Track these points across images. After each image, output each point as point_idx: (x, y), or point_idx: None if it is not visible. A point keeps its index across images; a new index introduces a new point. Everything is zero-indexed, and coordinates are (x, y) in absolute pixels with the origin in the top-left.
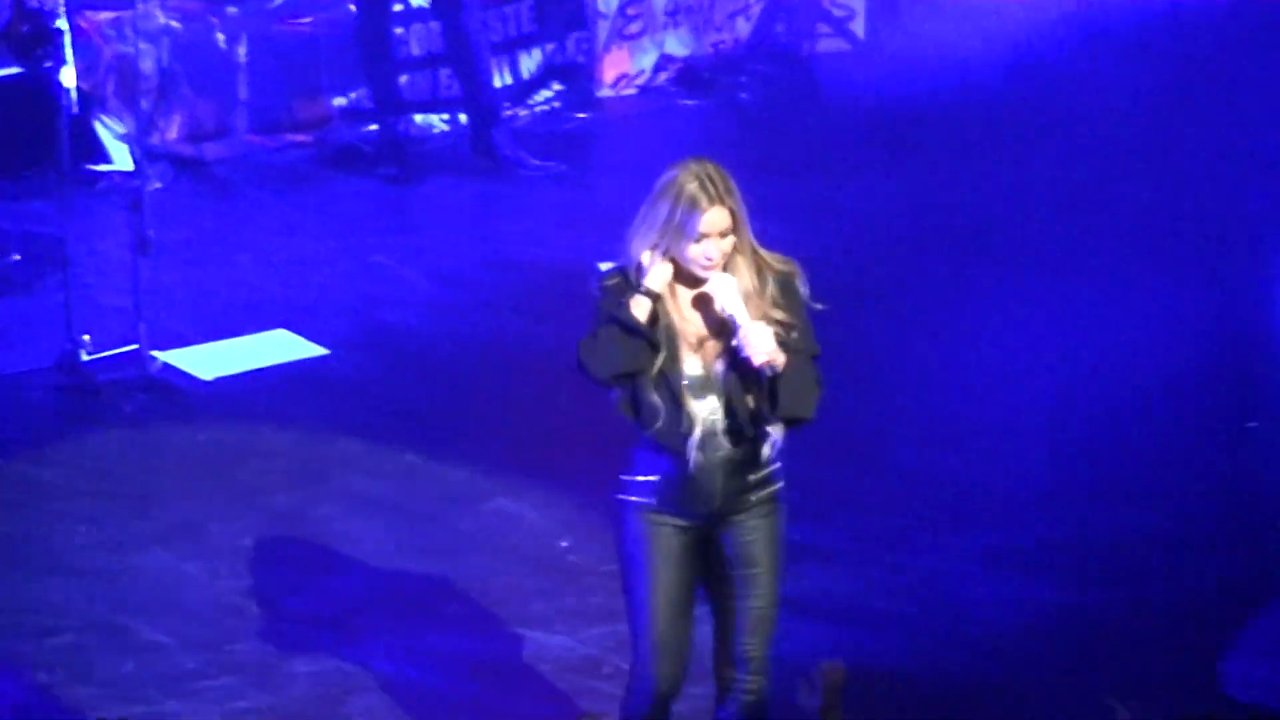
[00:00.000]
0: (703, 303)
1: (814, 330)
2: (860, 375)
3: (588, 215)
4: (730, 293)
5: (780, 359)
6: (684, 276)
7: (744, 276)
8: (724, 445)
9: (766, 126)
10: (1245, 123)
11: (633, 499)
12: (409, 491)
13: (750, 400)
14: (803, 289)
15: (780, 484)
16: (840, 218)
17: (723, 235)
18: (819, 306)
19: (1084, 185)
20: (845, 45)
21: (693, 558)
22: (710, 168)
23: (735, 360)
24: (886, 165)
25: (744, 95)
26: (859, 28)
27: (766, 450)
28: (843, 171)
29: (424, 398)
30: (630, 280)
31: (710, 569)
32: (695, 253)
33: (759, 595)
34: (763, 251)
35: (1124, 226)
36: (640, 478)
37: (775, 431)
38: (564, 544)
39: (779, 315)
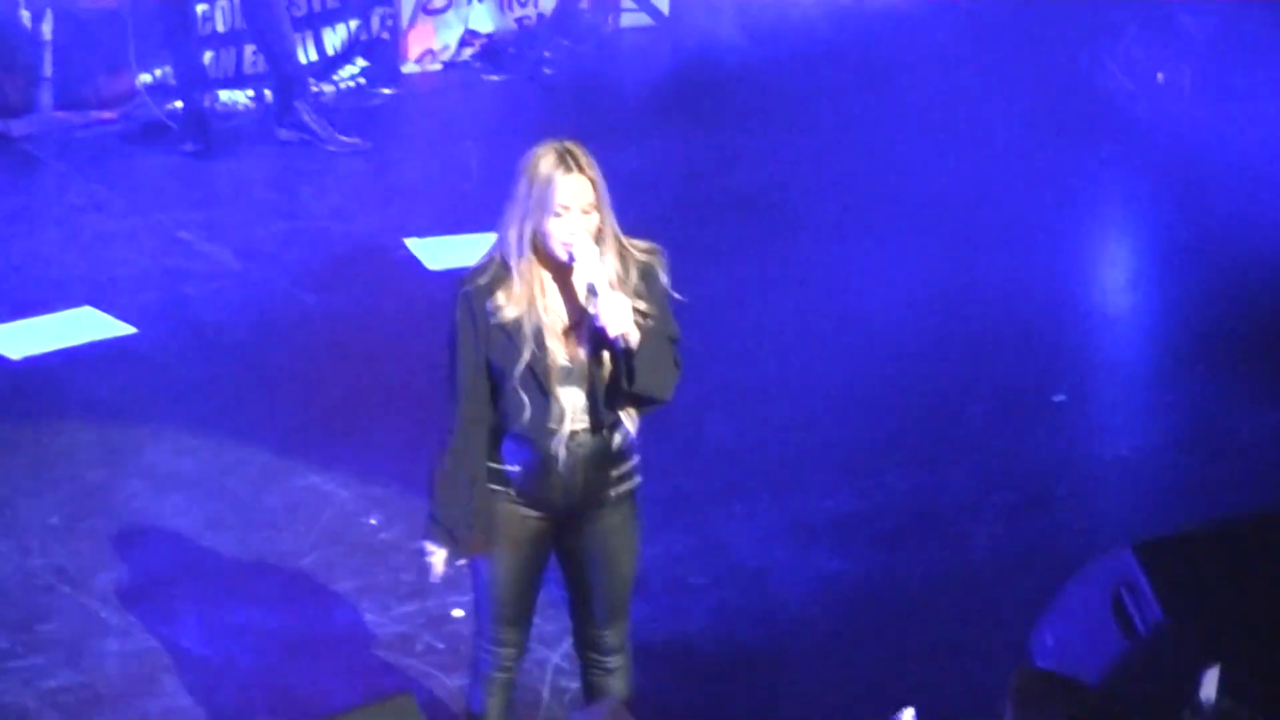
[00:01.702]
0: (567, 288)
1: (673, 317)
2: None
3: (391, 191)
4: (594, 263)
5: (634, 334)
6: (547, 261)
7: (608, 263)
8: (587, 437)
9: (567, 101)
10: (1044, 86)
11: (494, 488)
12: (217, 468)
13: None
14: (664, 276)
15: (638, 480)
16: (623, 184)
17: (585, 211)
18: (678, 297)
19: (876, 151)
20: (649, 20)
21: (544, 544)
22: (570, 143)
23: (598, 345)
24: (677, 135)
25: (547, 71)
26: (663, 3)
27: (618, 440)
28: (633, 141)
29: (231, 374)
30: (504, 267)
31: (565, 555)
32: (556, 229)
33: (614, 588)
34: (626, 239)
35: (915, 191)
36: (506, 466)
37: (629, 421)
38: (373, 521)
39: (640, 305)
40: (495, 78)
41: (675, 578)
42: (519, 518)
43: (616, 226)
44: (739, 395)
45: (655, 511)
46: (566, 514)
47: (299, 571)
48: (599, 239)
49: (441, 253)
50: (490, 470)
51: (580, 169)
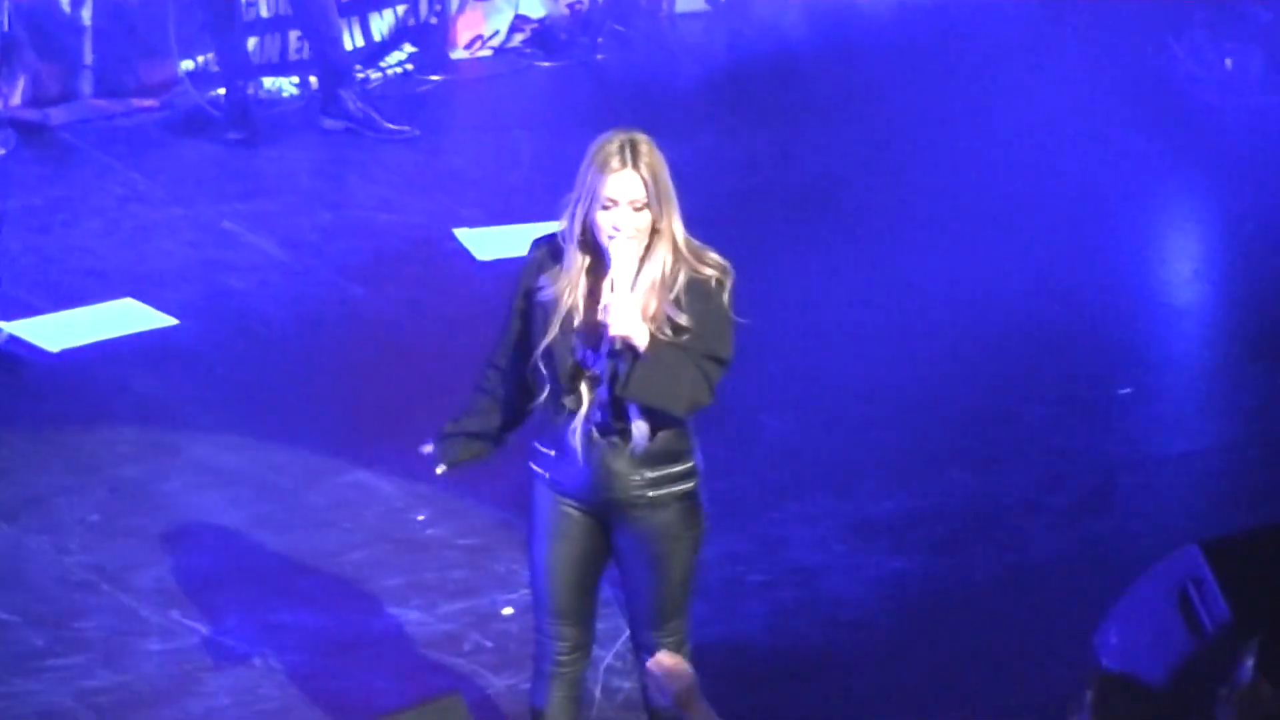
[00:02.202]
0: (604, 281)
1: (730, 336)
2: None
3: (439, 180)
4: (624, 260)
5: (637, 338)
6: (594, 250)
7: (653, 265)
8: (607, 433)
9: (620, 89)
10: (1110, 75)
11: (535, 468)
12: (260, 464)
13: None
14: (724, 296)
15: (690, 484)
16: (674, 176)
17: (636, 207)
18: (739, 320)
19: (937, 144)
20: (704, 5)
21: (592, 538)
22: (637, 136)
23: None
24: (732, 126)
25: (600, 56)
26: None
27: (640, 441)
28: (686, 132)
29: (275, 367)
30: (557, 249)
31: (614, 554)
32: (603, 221)
33: (663, 592)
34: (694, 246)
35: (977, 185)
36: (541, 447)
37: (640, 429)
38: (421, 517)
39: (678, 318)
40: (546, 64)
41: (733, 578)
42: (557, 504)
43: (680, 229)
44: (796, 393)
45: (711, 511)
46: (604, 509)
47: (344, 570)
48: (649, 238)
49: (491, 244)
50: (535, 449)
51: (634, 164)
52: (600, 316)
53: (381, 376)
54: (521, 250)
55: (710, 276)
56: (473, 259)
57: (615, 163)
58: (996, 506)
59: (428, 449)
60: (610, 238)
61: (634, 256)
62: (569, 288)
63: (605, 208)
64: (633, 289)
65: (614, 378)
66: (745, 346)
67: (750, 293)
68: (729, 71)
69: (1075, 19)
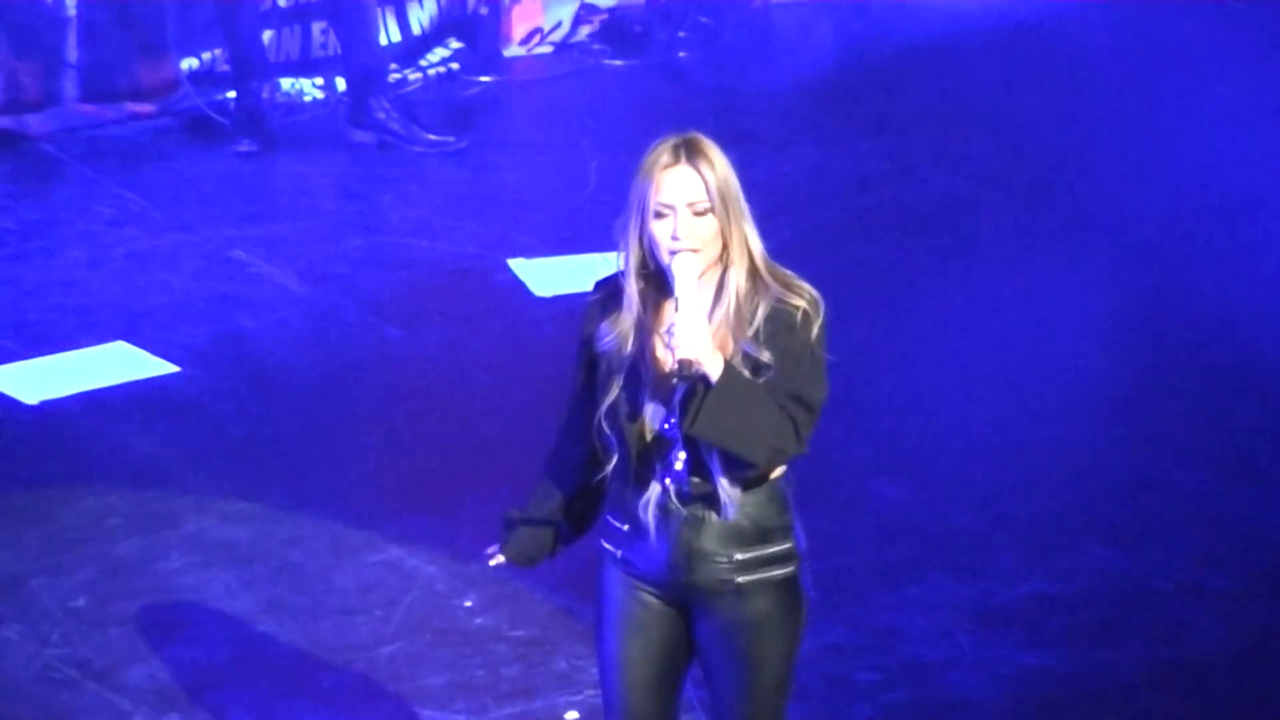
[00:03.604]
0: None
1: (820, 377)
2: None
3: (489, 201)
4: (691, 274)
5: (708, 364)
6: (661, 281)
7: (726, 290)
8: (687, 503)
9: (706, 93)
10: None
11: (606, 545)
12: (276, 539)
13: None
14: (812, 330)
15: (790, 569)
16: (771, 196)
17: (697, 211)
18: (826, 356)
19: (1079, 158)
20: None
21: (674, 630)
22: (693, 134)
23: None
24: (838, 137)
25: (682, 54)
26: None
27: (731, 512)
28: (784, 144)
29: (292, 423)
30: (620, 289)
31: (695, 647)
32: (660, 233)
33: (752, 694)
34: (778, 272)
35: (1126, 206)
36: (612, 521)
37: (728, 490)
38: (468, 604)
39: (759, 354)
40: (618, 63)
41: (838, 674)
42: (630, 589)
43: (759, 247)
44: (911, 455)
45: (813, 597)
46: (685, 596)
47: (376, 666)
48: (720, 256)
49: (551, 276)
50: (606, 524)
51: (691, 160)
52: (664, 344)
53: (421, 434)
54: (587, 284)
55: (797, 308)
56: (530, 294)
57: (666, 158)
58: (1149, 590)
59: (494, 556)
60: (671, 253)
61: (700, 270)
62: (632, 332)
63: (660, 215)
64: (702, 309)
65: (684, 415)
66: (853, 398)
67: (859, 334)
68: (834, 72)
69: (1242, 12)
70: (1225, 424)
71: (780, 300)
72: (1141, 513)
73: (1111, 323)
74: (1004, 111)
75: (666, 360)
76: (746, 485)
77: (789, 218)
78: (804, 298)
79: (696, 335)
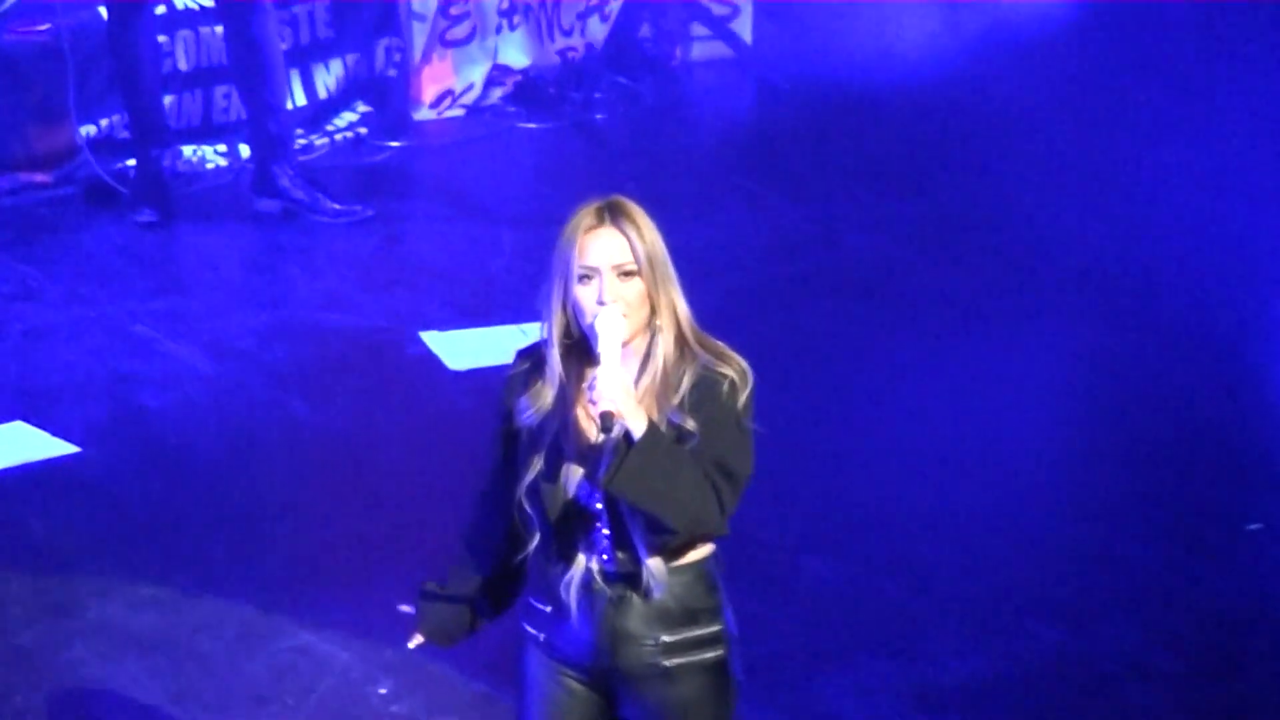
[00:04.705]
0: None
1: (746, 448)
2: None
3: (401, 272)
4: (614, 332)
5: (630, 417)
6: (586, 352)
7: (654, 359)
8: (611, 582)
9: (625, 155)
10: (1232, 120)
11: (527, 628)
12: (183, 625)
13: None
14: (736, 399)
15: (720, 651)
16: (692, 261)
17: (622, 273)
18: (753, 427)
19: (1014, 215)
20: (727, 51)
21: (596, 718)
22: (617, 198)
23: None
24: (762, 198)
25: (600, 116)
26: (744, 29)
27: (656, 592)
28: (705, 206)
29: (198, 504)
30: (542, 360)
31: None
32: (584, 298)
33: None
34: (707, 341)
35: (1066, 265)
36: (534, 603)
37: (653, 568)
38: (383, 690)
39: (684, 422)
40: (532, 125)
41: None
42: (553, 672)
43: (686, 314)
44: (842, 531)
45: (743, 680)
46: (610, 680)
47: None
48: (645, 316)
49: (466, 349)
50: (524, 605)
51: (616, 222)
52: (588, 414)
53: (332, 514)
54: (503, 357)
55: (725, 377)
56: (444, 368)
57: (590, 221)
58: (1097, 672)
59: (407, 609)
60: (595, 315)
61: (624, 329)
62: (554, 405)
63: (584, 279)
64: (629, 370)
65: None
66: (783, 472)
67: (787, 404)
68: (758, 131)
69: (1187, 46)
70: (1174, 495)
71: (708, 368)
72: (1088, 589)
73: (1054, 389)
74: (934, 169)
75: (590, 432)
76: (673, 565)
77: (711, 283)
78: (732, 367)
79: (619, 387)
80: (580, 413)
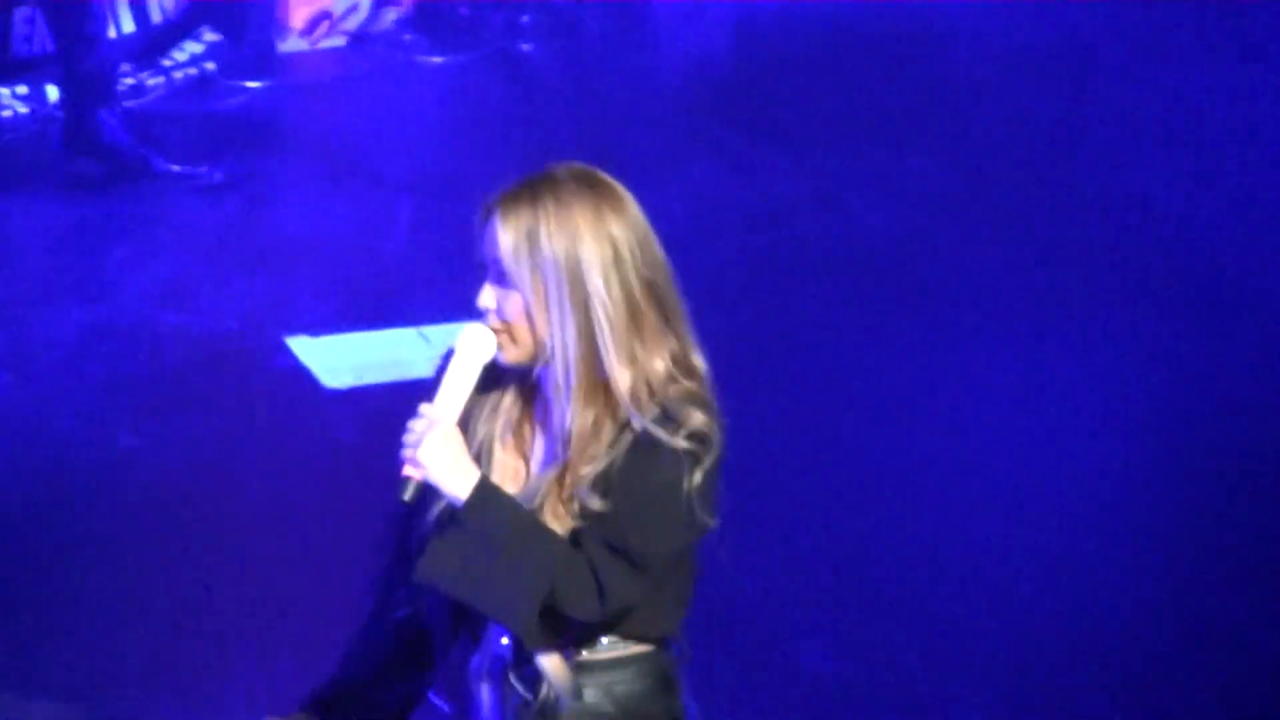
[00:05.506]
0: (527, 422)
1: (667, 530)
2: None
3: (263, 256)
4: (470, 357)
5: (447, 478)
6: (505, 380)
7: (558, 408)
8: (524, 682)
9: (559, 98)
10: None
11: None
12: None
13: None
14: (678, 473)
15: None
16: (660, 234)
17: (494, 280)
18: (701, 518)
19: (1060, 179)
20: None
21: None
22: (555, 172)
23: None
24: (736, 154)
25: (527, 46)
26: None
27: (560, 699)
28: (665, 164)
29: None
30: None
31: None
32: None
33: None
34: (667, 397)
35: (1124, 244)
36: (435, 700)
37: (550, 667)
38: None
39: (591, 504)
40: (437, 59)
41: None
42: None
43: (620, 369)
44: (847, 587)
45: None
46: None
47: None
48: (533, 346)
49: (348, 360)
50: (430, 706)
51: (503, 212)
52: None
53: (176, 583)
54: (401, 371)
55: (669, 449)
56: (319, 386)
57: (482, 213)
58: None
59: None
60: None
61: (486, 353)
62: (485, 431)
63: (481, 272)
64: (510, 414)
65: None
66: (770, 518)
67: (773, 423)
68: (737, 68)
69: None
70: (1262, 528)
71: (650, 432)
72: (1156, 651)
73: (1113, 398)
74: (960, 115)
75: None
76: (602, 658)
77: (675, 262)
78: (685, 434)
79: (438, 437)
80: (498, 450)
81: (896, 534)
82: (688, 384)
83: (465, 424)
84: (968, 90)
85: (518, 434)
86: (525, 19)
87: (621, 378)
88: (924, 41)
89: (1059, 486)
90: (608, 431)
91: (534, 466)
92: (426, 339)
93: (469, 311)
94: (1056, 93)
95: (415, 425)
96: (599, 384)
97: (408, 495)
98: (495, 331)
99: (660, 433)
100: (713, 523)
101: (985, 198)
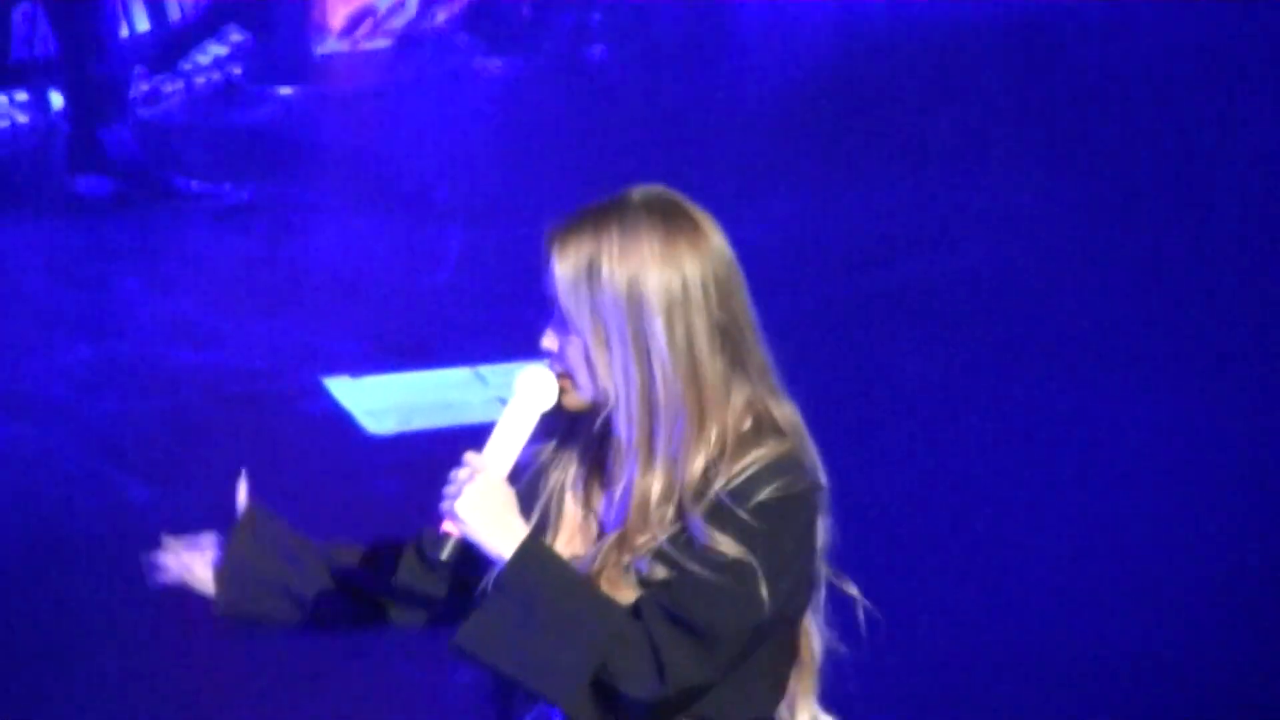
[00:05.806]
0: (602, 471)
1: (734, 598)
2: None
3: (294, 288)
4: (528, 401)
5: (489, 536)
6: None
7: (619, 467)
8: None
9: (633, 105)
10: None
11: None
12: None
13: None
14: (741, 545)
15: None
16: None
17: (557, 316)
18: (779, 592)
19: (1190, 217)
20: None
21: None
22: (637, 195)
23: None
24: (829, 179)
25: (598, 49)
26: None
27: None
28: (746, 189)
29: None
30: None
31: None
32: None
33: None
34: (742, 443)
35: (1267, 277)
36: None
37: None
38: None
39: (654, 573)
40: (496, 63)
41: None
42: None
43: (674, 389)
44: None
45: None
46: None
47: None
48: (594, 392)
49: (391, 402)
50: None
51: (558, 240)
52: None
53: (184, 650)
54: (452, 416)
55: (744, 523)
56: (358, 431)
57: (545, 242)
58: None
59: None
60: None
61: (548, 398)
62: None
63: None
64: (565, 470)
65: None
66: (874, 591)
67: (859, 482)
68: (829, 80)
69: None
70: None
71: (721, 500)
72: None
73: (1238, 450)
74: (1084, 136)
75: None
76: None
77: (755, 305)
78: (755, 510)
79: (480, 488)
80: (571, 499)
81: (1019, 609)
82: (767, 447)
83: (522, 472)
84: (1095, 112)
85: (590, 484)
86: (596, 18)
87: (679, 439)
88: (1051, 49)
89: (1164, 558)
90: (674, 499)
91: (605, 522)
92: (483, 380)
93: (532, 350)
94: (1193, 117)
95: (457, 475)
96: (658, 440)
97: (445, 554)
98: (558, 376)
99: (729, 502)
100: (805, 600)
101: (1121, 232)
